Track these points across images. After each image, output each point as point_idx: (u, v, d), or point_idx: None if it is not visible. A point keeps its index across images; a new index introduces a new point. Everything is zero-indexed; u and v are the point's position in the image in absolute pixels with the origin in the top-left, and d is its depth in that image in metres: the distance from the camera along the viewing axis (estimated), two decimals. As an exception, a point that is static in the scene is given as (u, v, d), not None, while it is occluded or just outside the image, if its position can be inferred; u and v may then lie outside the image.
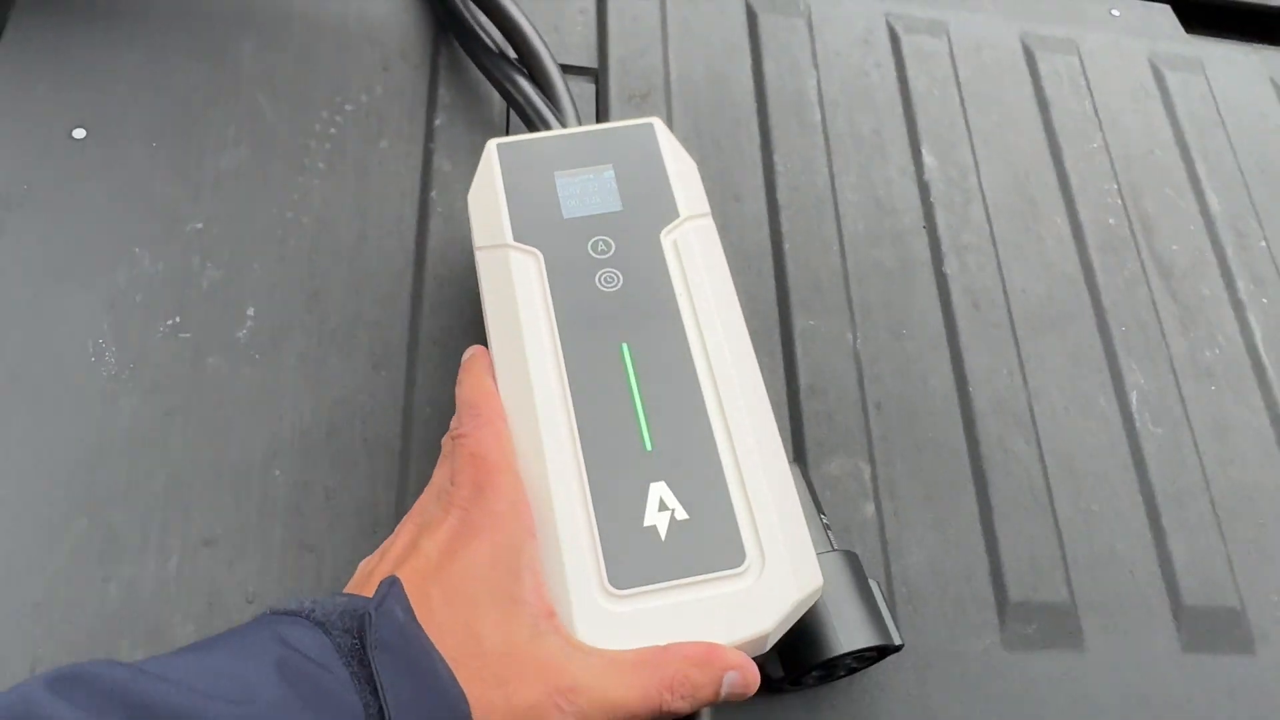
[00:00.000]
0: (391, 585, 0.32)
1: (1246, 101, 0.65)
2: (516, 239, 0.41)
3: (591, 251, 0.40)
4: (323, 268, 0.47)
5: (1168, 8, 0.69)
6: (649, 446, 0.36)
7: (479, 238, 0.42)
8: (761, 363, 0.49)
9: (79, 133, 0.47)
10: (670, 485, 0.36)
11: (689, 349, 0.38)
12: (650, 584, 0.34)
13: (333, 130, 0.50)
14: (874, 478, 0.47)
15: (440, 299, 0.47)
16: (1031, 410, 0.51)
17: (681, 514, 0.35)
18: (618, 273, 0.40)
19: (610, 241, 0.41)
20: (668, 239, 0.41)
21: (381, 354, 0.45)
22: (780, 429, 0.48)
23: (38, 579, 0.38)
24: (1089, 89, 0.63)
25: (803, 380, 0.49)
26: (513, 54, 0.51)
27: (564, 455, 0.36)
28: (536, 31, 0.50)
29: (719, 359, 0.38)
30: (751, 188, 0.54)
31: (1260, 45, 0.70)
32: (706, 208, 0.43)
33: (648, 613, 0.34)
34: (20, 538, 0.39)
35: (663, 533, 0.35)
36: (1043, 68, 0.63)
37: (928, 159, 0.57)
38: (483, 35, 0.52)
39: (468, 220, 0.44)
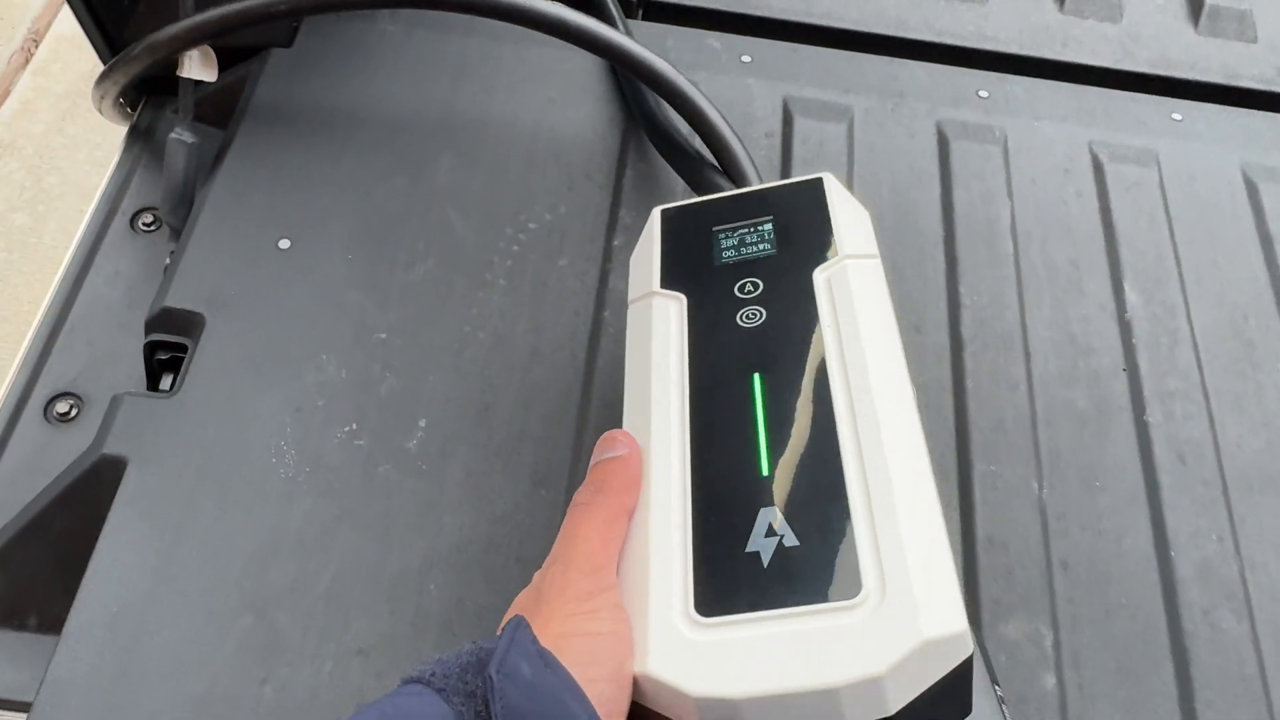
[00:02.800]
0: (515, 630, 0.29)
1: None
2: (663, 286, 0.40)
3: (738, 292, 0.39)
4: (495, 382, 0.48)
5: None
6: (765, 472, 0.33)
7: (631, 294, 0.42)
8: (936, 507, 0.46)
9: (284, 243, 0.50)
10: (784, 511, 0.31)
11: (826, 378, 0.35)
12: (742, 613, 0.30)
13: (515, 247, 0.52)
14: (1056, 645, 0.43)
15: (604, 421, 0.47)
16: (1245, 581, 0.45)
17: (791, 540, 0.31)
18: (761, 309, 0.38)
19: (759, 282, 0.39)
20: (821, 276, 0.38)
21: (544, 472, 0.45)
22: (953, 581, 0.45)
23: (203, 672, 0.39)
24: (1321, 224, 0.57)
25: (980, 530, 0.46)
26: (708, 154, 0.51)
27: (670, 478, 0.33)
28: (726, 121, 0.50)
29: (860, 388, 0.34)
30: (934, 319, 0.52)
31: None
32: (873, 250, 0.40)
33: (734, 643, 0.29)
34: (192, 629, 0.40)
35: (766, 559, 0.30)
36: (1266, 201, 0.58)
37: (1131, 296, 0.54)
38: (678, 137, 0.53)
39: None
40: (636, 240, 0.52)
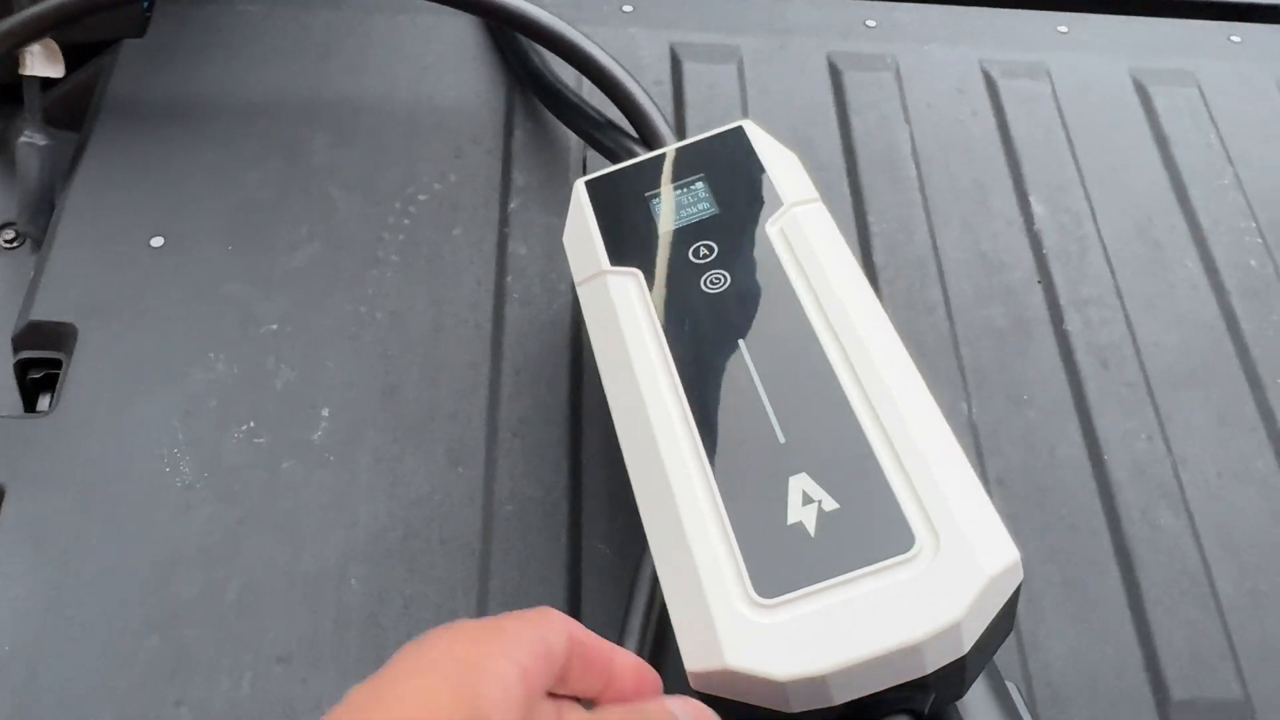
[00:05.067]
0: None
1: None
2: (613, 263, 0.39)
3: (693, 258, 0.38)
4: (398, 362, 0.45)
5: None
6: (782, 438, 0.32)
7: (577, 274, 0.40)
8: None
9: (157, 241, 0.47)
10: (813, 475, 0.31)
11: (813, 331, 0.34)
12: (804, 587, 0.29)
13: (406, 221, 0.49)
14: (1001, 562, 0.42)
15: (518, 387, 0.45)
16: (1179, 478, 0.45)
17: (830, 504, 0.30)
18: (723, 273, 0.37)
19: (712, 245, 0.38)
20: (773, 229, 0.38)
21: (459, 449, 0.43)
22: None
23: (108, 702, 0.36)
24: (1213, 122, 0.58)
25: (913, 456, 0.45)
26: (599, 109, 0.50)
27: (685, 464, 0.32)
28: (622, 67, 0.48)
29: (849, 336, 0.34)
30: (845, 251, 0.51)
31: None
32: (814, 194, 0.40)
33: (806, 619, 0.28)
34: (93, 657, 0.37)
35: (811, 528, 0.30)
36: (1158, 103, 0.58)
37: (1037, 208, 0.53)
38: (565, 92, 0.51)
39: (561, 265, 0.42)
40: (532, 202, 0.50)
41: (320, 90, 0.53)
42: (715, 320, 0.36)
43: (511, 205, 0.50)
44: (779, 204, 0.39)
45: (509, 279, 0.48)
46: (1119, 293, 0.51)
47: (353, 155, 0.51)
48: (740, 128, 0.42)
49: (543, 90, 0.52)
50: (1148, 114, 0.58)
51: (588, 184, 0.42)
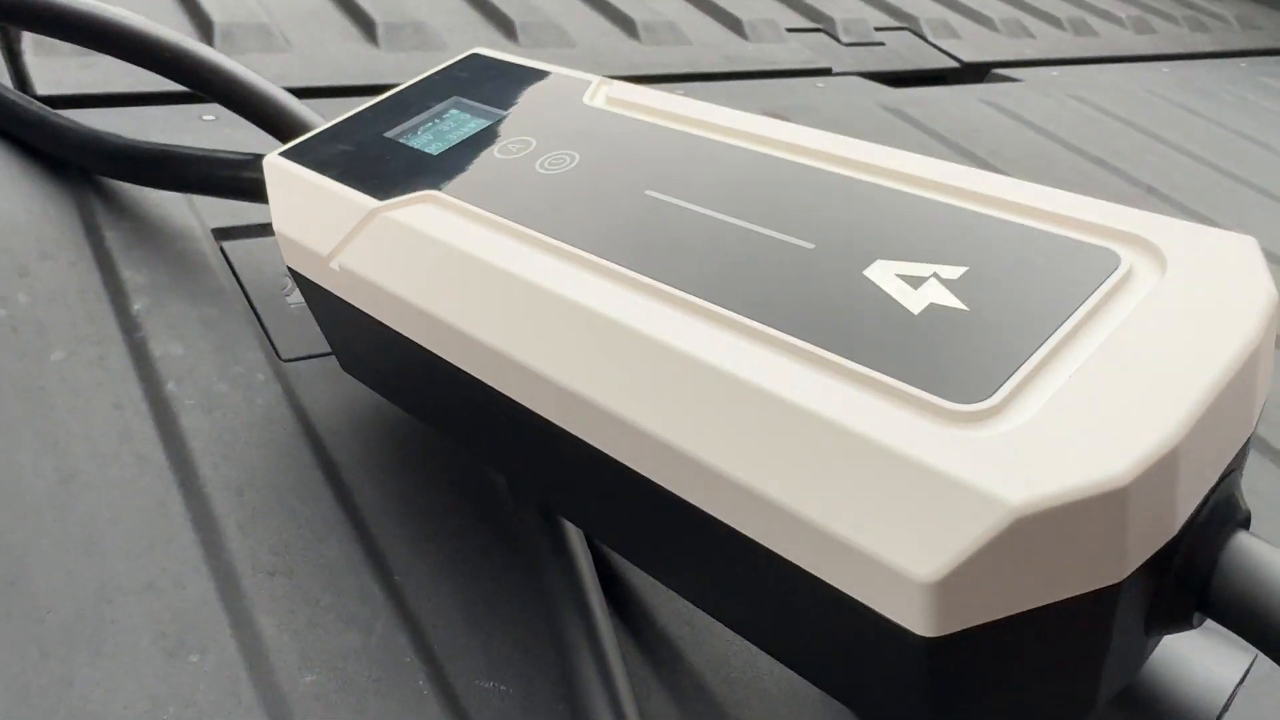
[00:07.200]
0: None
1: (978, 119, 0.64)
2: (384, 199, 0.25)
3: (504, 155, 0.27)
4: (9, 541, 0.25)
5: (858, 78, 0.69)
6: (809, 244, 0.21)
7: (320, 245, 0.26)
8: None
9: None
10: (893, 257, 0.20)
11: (729, 144, 0.25)
12: (1024, 361, 0.17)
13: (-41, 360, 0.30)
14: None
15: (250, 511, 0.27)
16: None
17: (950, 271, 0.19)
18: (565, 153, 0.26)
19: (526, 139, 0.27)
20: (596, 100, 0.28)
21: (178, 630, 0.24)
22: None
23: None
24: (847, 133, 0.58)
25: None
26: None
27: (715, 339, 0.19)
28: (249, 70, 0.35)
29: (773, 134, 0.25)
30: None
31: (945, 87, 0.71)
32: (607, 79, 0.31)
33: (1056, 408, 0.16)
34: None
35: (958, 302, 0.19)
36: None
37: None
38: (170, 151, 0.36)
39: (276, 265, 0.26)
40: (167, 296, 0.34)
41: None
42: (591, 192, 0.24)
43: (136, 307, 0.33)
44: (584, 84, 0.29)
45: (169, 386, 0.30)
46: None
47: None
48: (475, 54, 0.32)
49: (132, 165, 0.36)
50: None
51: (286, 154, 0.29)
